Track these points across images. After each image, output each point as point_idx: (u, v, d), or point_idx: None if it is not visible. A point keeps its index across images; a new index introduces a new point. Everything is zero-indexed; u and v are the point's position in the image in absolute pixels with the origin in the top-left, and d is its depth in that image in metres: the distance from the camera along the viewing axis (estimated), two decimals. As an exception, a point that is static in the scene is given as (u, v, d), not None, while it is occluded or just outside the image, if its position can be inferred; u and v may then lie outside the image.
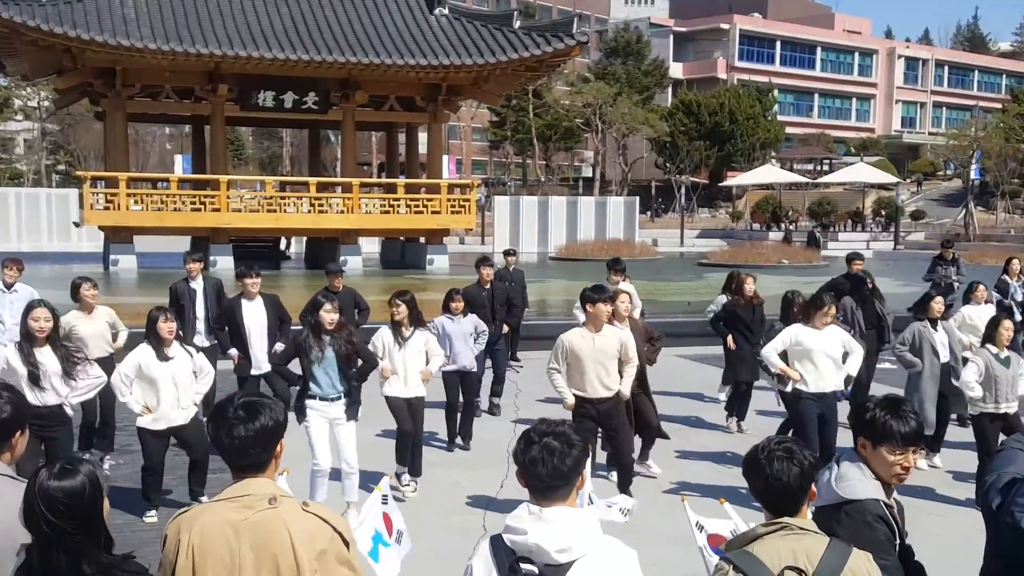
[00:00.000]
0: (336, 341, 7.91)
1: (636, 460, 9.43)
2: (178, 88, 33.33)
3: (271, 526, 3.19)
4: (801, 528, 3.26)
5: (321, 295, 11.96)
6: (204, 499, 8.16)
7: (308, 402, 7.95)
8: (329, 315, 7.90)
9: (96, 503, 3.06)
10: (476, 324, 10.78)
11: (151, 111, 36.99)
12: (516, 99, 74.94)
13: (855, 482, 3.74)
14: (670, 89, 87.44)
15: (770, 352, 8.78)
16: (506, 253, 16.74)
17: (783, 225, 57.06)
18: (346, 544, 3.25)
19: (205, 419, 3.63)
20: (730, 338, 11.66)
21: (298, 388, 8.14)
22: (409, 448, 9.07)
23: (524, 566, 3.07)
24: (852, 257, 13.17)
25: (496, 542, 3.16)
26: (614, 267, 12.06)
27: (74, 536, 2.99)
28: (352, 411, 8.07)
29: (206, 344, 11.30)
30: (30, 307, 7.66)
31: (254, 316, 10.19)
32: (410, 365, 8.97)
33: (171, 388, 8.00)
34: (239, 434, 3.24)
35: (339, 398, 7.97)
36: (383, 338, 8.98)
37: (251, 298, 10.24)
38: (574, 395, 8.25)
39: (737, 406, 11.65)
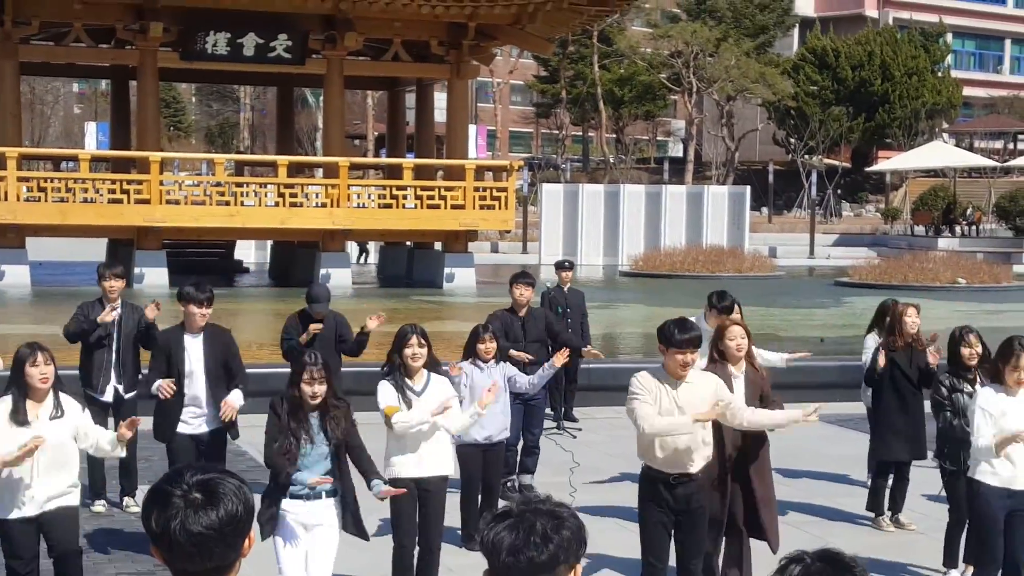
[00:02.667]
0: (330, 423, 7.83)
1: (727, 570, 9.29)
2: (93, 27, 33.66)
3: None
4: None
5: (295, 326, 12.03)
6: None
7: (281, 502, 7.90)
8: (311, 387, 7.81)
9: None
10: (508, 375, 10.70)
11: (54, 60, 37.36)
12: (574, 46, 75.17)
13: None
14: (796, 32, 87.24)
15: (986, 441, 8.47)
16: (560, 266, 16.68)
17: (960, 228, 56.64)
18: None
19: (139, 505, 3.42)
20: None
21: (269, 482, 8.07)
22: (413, 568, 8.97)
23: None
24: None
25: None
26: (718, 304, 11.23)
27: None
28: (349, 519, 7.98)
29: (128, 396, 11.34)
30: None
31: (198, 358, 10.18)
32: (423, 433, 8.87)
33: (31, 460, 7.87)
34: (198, 527, 3.16)
35: (320, 496, 7.89)
36: (386, 397, 8.89)
37: (195, 332, 10.21)
38: (647, 468, 8.30)
39: (889, 494, 11.60)
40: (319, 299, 12.11)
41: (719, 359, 9.07)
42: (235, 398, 10.11)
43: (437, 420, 8.76)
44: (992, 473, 8.55)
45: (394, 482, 8.91)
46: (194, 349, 10.19)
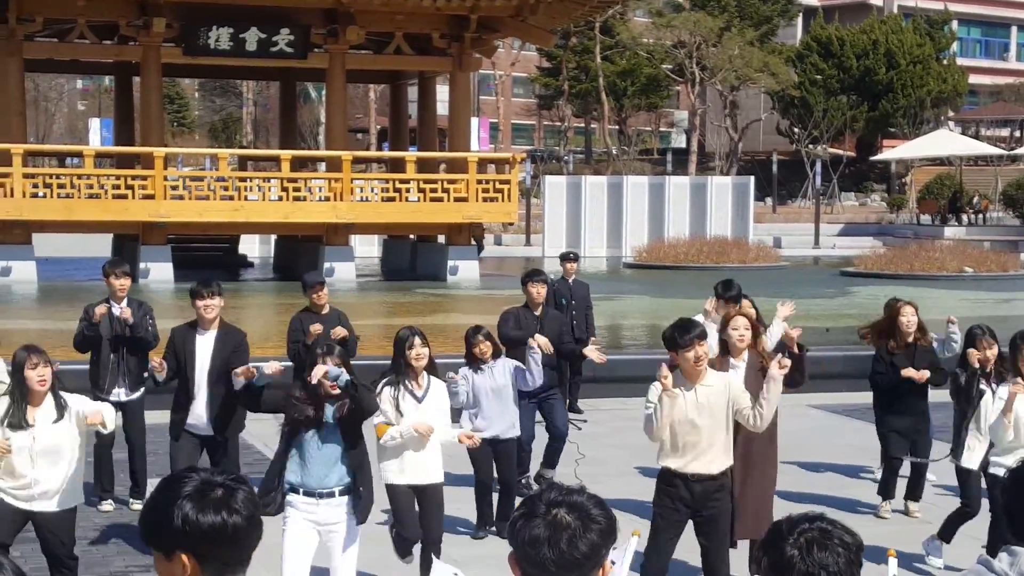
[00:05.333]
0: (340, 407, 7.82)
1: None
2: (96, 24, 33.71)
3: None
4: None
5: (304, 319, 12.12)
6: None
7: (289, 497, 7.87)
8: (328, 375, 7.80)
9: None
10: (510, 368, 10.73)
11: (58, 57, 37.40)
12: (577, 37, 75.10)
13: None
14: (800, 21, 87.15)
15: (999, 422, 8.67)
16: (564, 258, 16.74)
17: (966, 216, 56.62)
18: None
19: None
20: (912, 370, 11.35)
21: (265, 476, 8.08)
22: (413, 548, 9.16)
23: None
24: None
25: None
26: (724, 294, 11.18)
27: None
28: (362, 510, 7.97)
29: (132, 397, 11.41)
30: None
31: (204, 357, 10.14)
32: (417, 438, 8.92)
33: (28, 461, 7.97)
34: (242, 520, 3.31)
35: (333, 495, 7.85)
36: (385, 398, 8.90)
37: (205, 328, 10.16)
38: (664, 468, 8.24)
39: (907, 484, 11.78)
40: (311, 280, 12.30)
41: (720, 351, 9.15)
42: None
43: (424, 433, 8.82)
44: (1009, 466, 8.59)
45: (388, 488, 9.01)
46: (202, 348, 10.11)
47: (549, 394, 12.37)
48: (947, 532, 10.04)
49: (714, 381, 8.19)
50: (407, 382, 8.95)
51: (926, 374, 11.27)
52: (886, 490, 11.70)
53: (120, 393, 11.34)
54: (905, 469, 11.78)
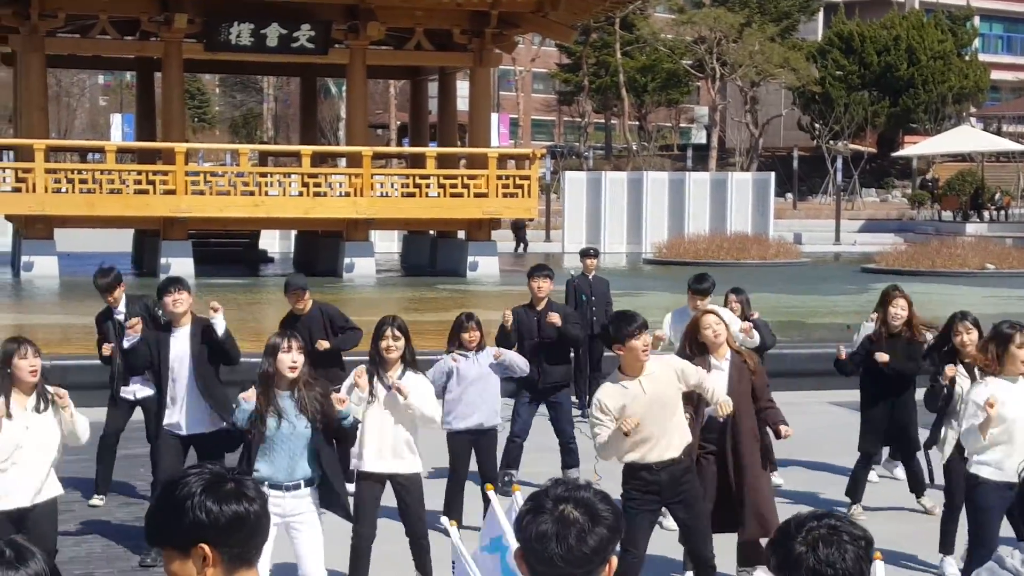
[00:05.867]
0: (304, 400, 7.72)
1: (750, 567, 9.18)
2: (118, 19, 33.80)
3: None
4: None
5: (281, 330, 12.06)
6: None
7: None
8: (290, 357, 7.70)
9: None
10: (497, 359, 10.69)
11: (80, 52, 37.54)
12: (597, 33, 75.07)
13: None
14: (821, 17, 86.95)
15: (973, 433, 8.37)
16: (585, 254, 16.76)
17: (988, 213, 56.40)
18: None
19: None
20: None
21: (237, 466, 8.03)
22: (367, 561, 8.84)
23: None
24: None
25: None
26: (696, 287, 11.80)
27: None
28: (330, 497, 7.93)
29: (148, 393, 11.28)
30: None
31: (181, 355, 9.94)
32: (392, 426, 8.79)
33: (18, 455, 7.93)
34: (261, 507, 3.38)
35: (299, 486, 7.82)
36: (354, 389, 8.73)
37: (177, 326, 9.93)
38: (627, 463, 8.21)
39: (907, 480, 11.66)
40: (294, 285, 12.16)
41: (698, 353, 8.92)
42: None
43: (411, 402, 8.64)
44: (993, 468, 8.45)
45: (362, 475, 8.83)
46: (177, 347, 9.89)
47: (556, 396, 12.39)
48: (947, 543, 9.77)
49: (654, 367, 8.10)
50: (379, 371, 8.80)
51: (885, 358, 10.96)
52: (854, 490, 11.32)
53: (134, 390, 11.35)
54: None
